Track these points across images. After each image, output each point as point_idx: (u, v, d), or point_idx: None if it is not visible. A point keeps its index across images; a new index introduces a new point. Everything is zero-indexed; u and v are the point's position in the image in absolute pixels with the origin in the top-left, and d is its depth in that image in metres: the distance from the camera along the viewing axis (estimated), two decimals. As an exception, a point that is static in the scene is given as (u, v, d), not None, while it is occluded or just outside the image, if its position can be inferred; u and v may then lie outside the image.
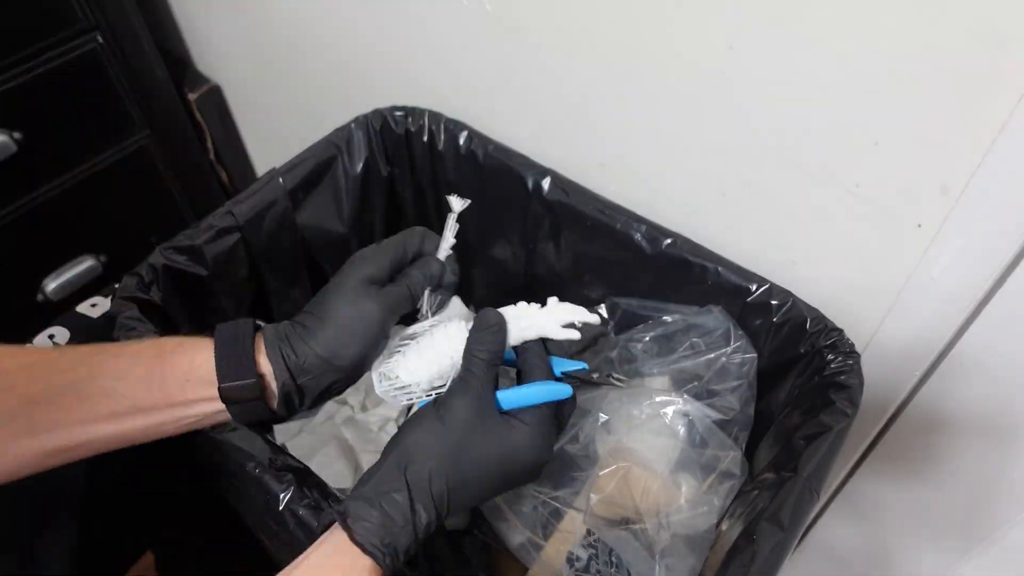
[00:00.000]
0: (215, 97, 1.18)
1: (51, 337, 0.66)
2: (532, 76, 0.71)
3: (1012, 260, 0.51)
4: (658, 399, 0.65)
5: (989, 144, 0.48)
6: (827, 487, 0.78)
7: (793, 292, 0.62)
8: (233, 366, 0.44)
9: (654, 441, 0.64)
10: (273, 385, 0.46)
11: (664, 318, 0.70)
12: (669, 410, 0.65)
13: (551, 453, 0.46)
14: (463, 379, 0.45)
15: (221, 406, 0.46)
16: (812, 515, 0.82)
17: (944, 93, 0.48)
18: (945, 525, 0.73)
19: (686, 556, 0.61)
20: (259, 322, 0.48)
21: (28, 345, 0.46)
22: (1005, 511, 0.66)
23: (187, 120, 1.16)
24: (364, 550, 0.41)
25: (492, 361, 0.45)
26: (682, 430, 0.64)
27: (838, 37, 0.50)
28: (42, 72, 0.93)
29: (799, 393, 0.60)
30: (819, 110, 0.54)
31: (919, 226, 0.54)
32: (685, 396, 0.65)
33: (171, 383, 0.44)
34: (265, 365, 0.45)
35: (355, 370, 0.47)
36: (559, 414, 0.48)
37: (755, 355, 0.65)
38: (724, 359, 0.66)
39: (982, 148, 0.48)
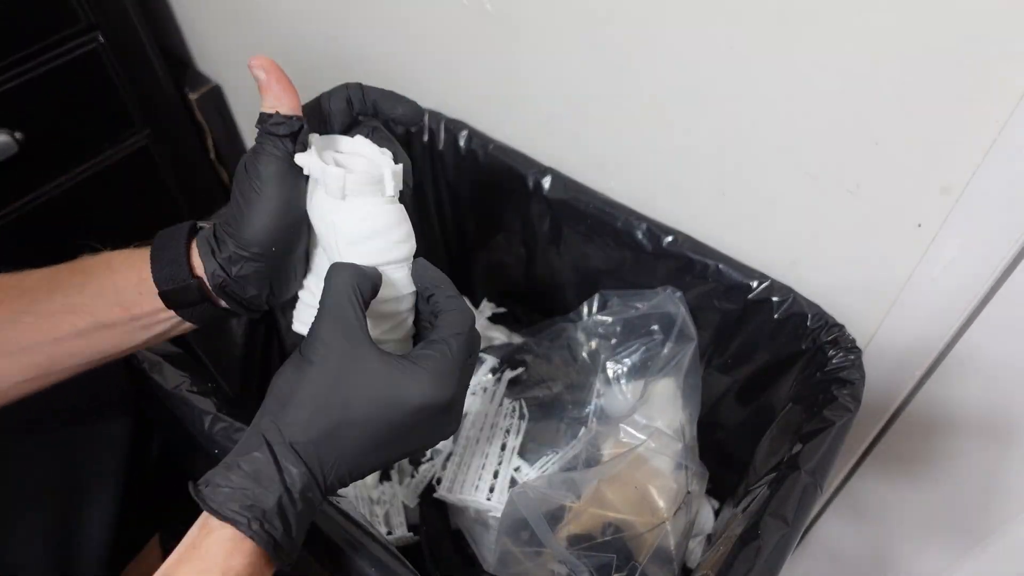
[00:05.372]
0: (215, 97, 1.18)
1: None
2: (532, 75, 0.72)
3: (1013, 260, 0.52)
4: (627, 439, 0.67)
5: (989, 144, 0.48)
6: (829, 484, 0.78)
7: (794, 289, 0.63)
8: (169, 271, 0.42)
9: (632, 487, 0.65)
10: (209, 283, 0.43)
11: (632, 302, 0.72)
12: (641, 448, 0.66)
13: (448, 392, 0.39)
14: (318, 316, 0.39)
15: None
16: (816, 510, 0.82)
17: (944, 93, 0.48)
18: (945, 525, 0.73)
19: (671, 556, 0.62)
20: (202, 223, 0.46)
21: None
22: (1005, 511, 0.67)
23: (188, 120, 1.16)
24: (222, 517, 0.36)
25: (349, 287, 0.39)
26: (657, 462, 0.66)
27: (838, 37, 0.50)
28: (43, 72, 0.93)
29: (801, 389, 0.61)
30: (819, 110, 0.54)
31: (919, 226, 0.54)
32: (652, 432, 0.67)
33: (125, 296, 0.43)
34: (199, 266, 0.43)
35: (273, 258, 0.42)
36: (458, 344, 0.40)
37: (695, 341, 0.68)
38: (671, 344, 0.69)
39: (982, 148, 0.48)
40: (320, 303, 0.40)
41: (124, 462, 0.63)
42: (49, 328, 0.43)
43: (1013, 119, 0.46)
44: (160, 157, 1.12)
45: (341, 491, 0.52)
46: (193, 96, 1.15)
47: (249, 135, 1.26)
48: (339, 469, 0.39)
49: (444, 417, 0.41)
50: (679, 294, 0.69)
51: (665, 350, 0.71)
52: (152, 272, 0.43)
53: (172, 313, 0.44)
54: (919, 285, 0.57)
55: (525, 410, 0.75)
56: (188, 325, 0.46)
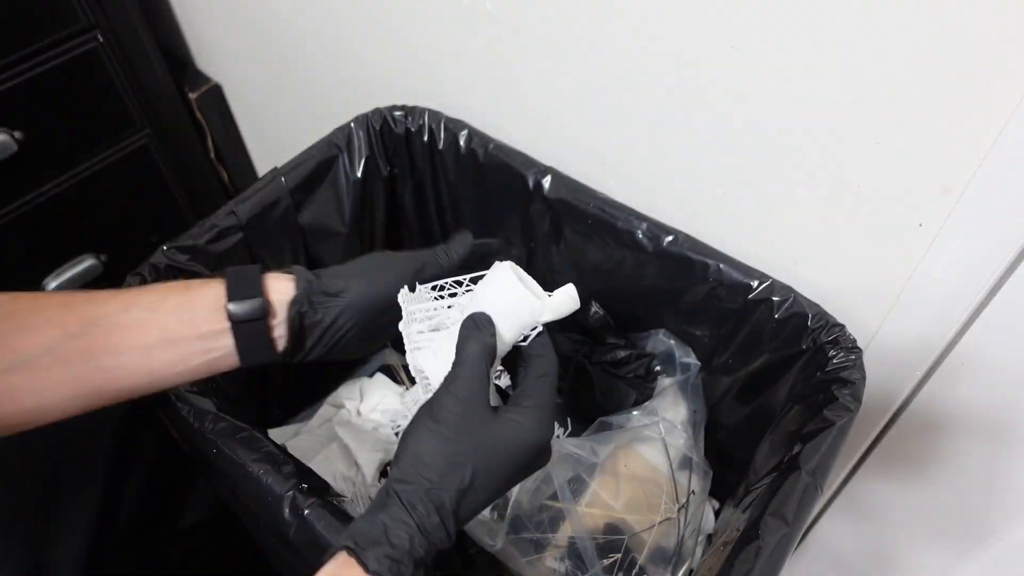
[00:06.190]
0: (215, 96, 1.18)
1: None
2: (532, 75, 0.72)
3: (1014, 260, 0.51)
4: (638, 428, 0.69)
5: (990, 144, 0.48)
6: (829, 484, 0.78)
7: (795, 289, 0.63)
8: (242, 287, 0.46)
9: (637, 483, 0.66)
10: (282, 312, 0.47)
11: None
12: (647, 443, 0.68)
13: (551, 431, 0.45)
14: (450, 380, 0.44)
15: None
16: (816, 511, 0.82)
17: (945, 93, 0.48)
18: (945, 525, 0.73)
19: (671, 556, 0.62)
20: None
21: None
22: (1005, 511, 0.67)
23: (187, 119, 1.16)
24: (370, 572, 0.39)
25: (482, 358, 0.44)
26: (662, 459, 0.67)
27: (839, 37, 0.50)
28: (43, 71, 0.93)
29: (801, 389, 0.61)
30: (820, 109, 0.54)
31: (920, 226, 0.54)
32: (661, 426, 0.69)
33: (199, 313, 0.45)
34: (273, 292, 0.47)
35: (366, 312, 0.48)
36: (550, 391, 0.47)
37: (698, 363, 0.73)
38: (676, 372, 0.74)
39: (983, 148, 0.48)
40: (454, 367, 0.45)
41: (98, 508, 0.62)
42: (115, 342, 0.44)
43: (1014, 119, 0.46)
44: (160, 157, 1.12)
45: (341, 492, 0.52)
46: (193, 96, 1.15)
47: (249, 135, 1.26)
48: (469, 513, 0.43)
49: (545, 451, 0.46)
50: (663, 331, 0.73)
51: (670, 379, 0.75)
52: (227, 288, 0.46)
53: (229, 340, 0.46)
54: (920, 285, 0.57)
55: None
56: (232, 361, 0.47)
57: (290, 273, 0.49)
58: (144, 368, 0.46)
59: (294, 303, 0.47)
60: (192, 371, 0.47)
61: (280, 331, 0.47)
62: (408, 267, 0.50)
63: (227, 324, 0.45)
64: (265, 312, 0.46)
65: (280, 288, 0.47)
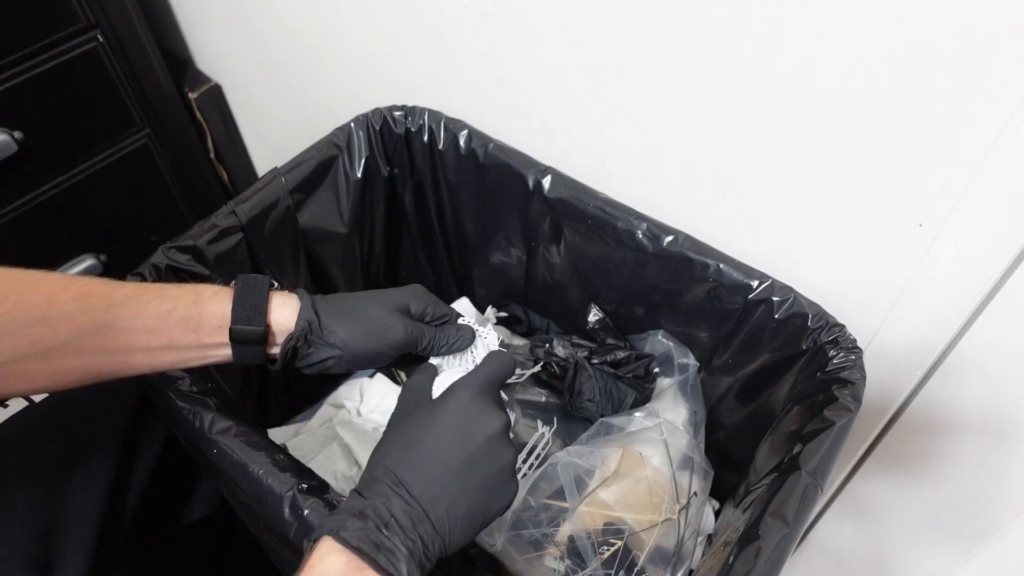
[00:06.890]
0: (215, 96, 1.18)
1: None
2: (533, 75, 0.71)
3: (1014, 260, 0.51)
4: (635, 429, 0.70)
5: (990, 144, 0.48)
6: (829, 484, 0.78)
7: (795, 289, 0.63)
8: (247, 311, 0.50)
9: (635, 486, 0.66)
10: (280, 338, 0.51)
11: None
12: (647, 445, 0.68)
13: (489, 414, 0.47)
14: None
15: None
16: (816, 511, 0.82)
17: (945, 92, 0.48)
18: (945, 525, 0.73)
19: (671, 556, 0.62)
20: (275, 283, 0.53)
21: (79, 277, 0.51)
22: (1005, 511, 0.67)
23: (187, 119, 1.16)
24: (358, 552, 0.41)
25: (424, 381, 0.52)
26: (659, 459, 0.68)
27: (839, 36, 0.50)
28: (43, 71, 0.93)
29: (801, 389, 0.61)
30: (820, 109, 0.54)
31: (920, 226, 0.54)
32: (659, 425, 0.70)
33: (204, 328, 0.49)
34: (275, 319, 0.51)
35: (353, 362, 0.52)
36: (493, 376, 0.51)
37: (697, 364, 0.74)
38: (675, 373, 0.75)
39: (983, 148, 0.48)
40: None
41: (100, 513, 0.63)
42: (125, 343, 0.49)
43: (1014, 119, 0.46)
44: (160, 156, 1.12)
45: (341, 492, 0.52)
46: (193, 95, 1.15)
47: (249, 134, 1.26)
48: (426, 488, 0.45)
49: (497, 437, 0.47)
50: (661, 332, 0.75)
51: (673, 377, 0.76)
52: (232, 311, 0.50)
53: (228, 351, 0.51)
54: (920, 285, 0.57)
55: (515, 417, 0.76)
56: (226, 361, 0.52)
57: (295, 297, 0.52)
58: (148, 364, 0.50)
59: (290, 339, 0.50)
60: (189, 366, 0.52)
61: (275, 351, 0.52)
62: (409, 337, 0.52)
63: (228, 340, 0.50)
64: (265, 338, 0.50)
65: (282, 317, 0.51)
